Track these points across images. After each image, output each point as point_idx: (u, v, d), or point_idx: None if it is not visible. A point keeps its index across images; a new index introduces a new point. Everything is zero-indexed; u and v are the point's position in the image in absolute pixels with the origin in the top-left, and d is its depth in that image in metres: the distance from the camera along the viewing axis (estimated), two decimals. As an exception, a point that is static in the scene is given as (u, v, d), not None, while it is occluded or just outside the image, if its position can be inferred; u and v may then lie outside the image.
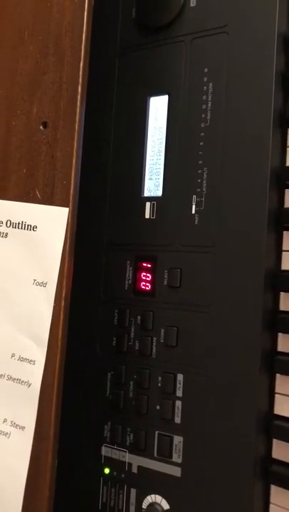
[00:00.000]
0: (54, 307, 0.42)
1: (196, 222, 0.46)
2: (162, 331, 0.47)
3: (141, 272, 0.49)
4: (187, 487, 0.44)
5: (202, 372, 0.44)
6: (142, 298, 0.49)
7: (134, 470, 0.47)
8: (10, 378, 0.44)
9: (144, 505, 0.46)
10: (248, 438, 0.41)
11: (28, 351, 0.43)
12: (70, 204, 0.43)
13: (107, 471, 0.49)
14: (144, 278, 0.49)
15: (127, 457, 0.48)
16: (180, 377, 0.45)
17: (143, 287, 0.49)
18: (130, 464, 0.48)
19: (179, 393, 0.45)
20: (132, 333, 0.49)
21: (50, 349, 0.42)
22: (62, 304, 0.43)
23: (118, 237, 0.51)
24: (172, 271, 0.47)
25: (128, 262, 0.50)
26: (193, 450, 0.44)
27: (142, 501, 0.47)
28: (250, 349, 0.42)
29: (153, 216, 0.49)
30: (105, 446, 0.49)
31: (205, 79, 0.47)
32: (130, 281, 0.50)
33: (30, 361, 0.43)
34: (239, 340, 0.43)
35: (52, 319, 0.42)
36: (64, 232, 0.43)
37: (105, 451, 0.49)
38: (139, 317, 0.49)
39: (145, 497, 0.46)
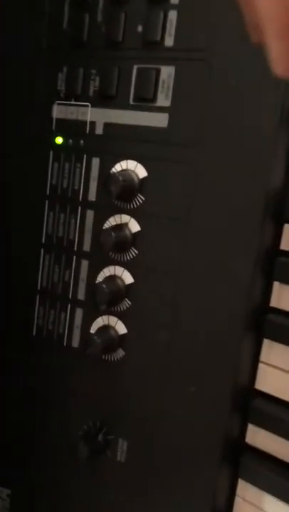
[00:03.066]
0: None
1: None
2: None
3: None
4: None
5: None
6: None
7: (99, 131, 0.34)
8: None
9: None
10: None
11: None
12: None
13: (59, 140, 0.36)
14: None
15: (89, 113, 0.34)
16: None
17: None
18: (93, 123, 0.34)
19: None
20: None
21: None
22: None
23: None
24: None
25: None
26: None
27: (111, 168, 0.34)
28: None
29: None
30: (58, 104, 0.35)
31: None
32: None
33: None
34: None
35: None
36: None
37: (58, 111, 0.35)
38: None
39: (114, 165, 0.34)
